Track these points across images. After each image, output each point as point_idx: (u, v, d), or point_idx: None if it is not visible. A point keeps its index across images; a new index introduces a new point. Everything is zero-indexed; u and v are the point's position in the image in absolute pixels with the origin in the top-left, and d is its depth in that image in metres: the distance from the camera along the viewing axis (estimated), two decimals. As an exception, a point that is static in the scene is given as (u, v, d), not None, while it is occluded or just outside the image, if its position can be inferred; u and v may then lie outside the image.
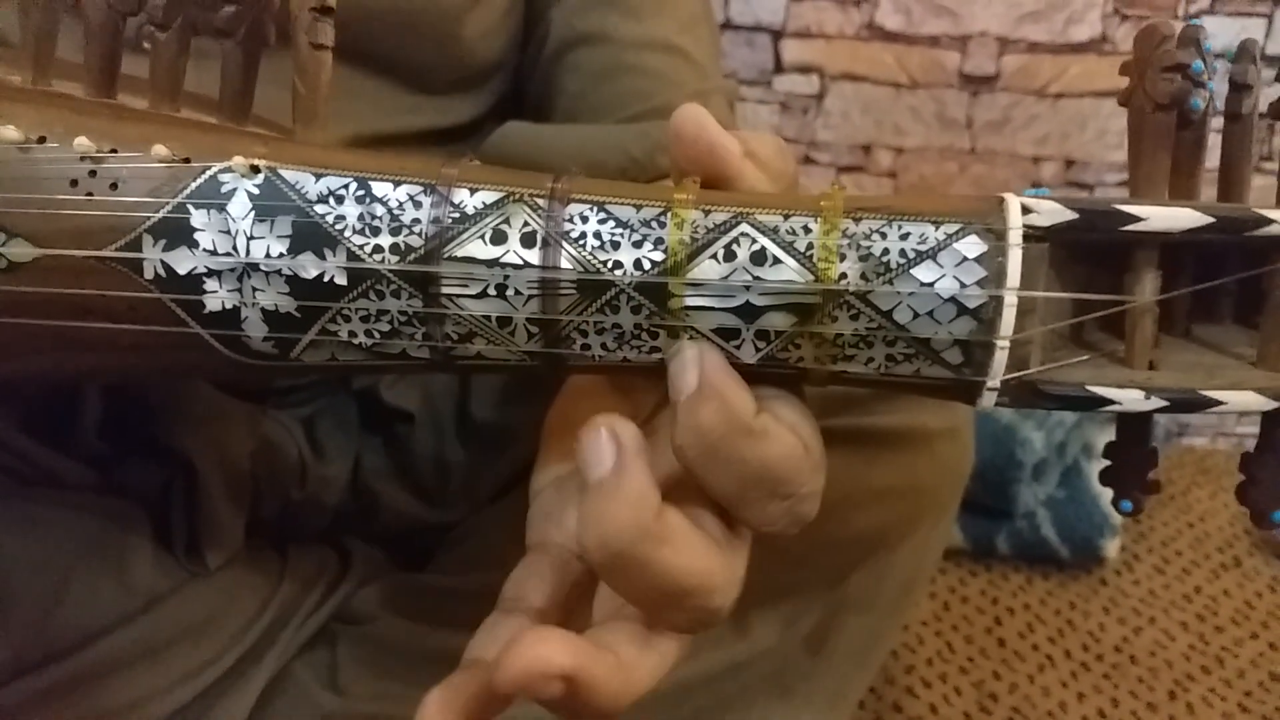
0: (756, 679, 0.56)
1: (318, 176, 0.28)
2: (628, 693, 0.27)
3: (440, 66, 0.54)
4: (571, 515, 0.31)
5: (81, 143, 0.29)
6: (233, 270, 0.28)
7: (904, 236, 0.26)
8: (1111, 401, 0.26)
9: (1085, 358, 0.27)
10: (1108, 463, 0.28)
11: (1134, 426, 0.28)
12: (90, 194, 0.29)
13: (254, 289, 0.28)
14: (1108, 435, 1.08)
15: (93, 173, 0.29)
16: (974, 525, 1.10)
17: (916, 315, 0.26)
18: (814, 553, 0.55)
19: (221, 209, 0.28)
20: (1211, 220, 0.25)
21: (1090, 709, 0.93)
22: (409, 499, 0.57)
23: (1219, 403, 0.26)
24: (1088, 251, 0.27)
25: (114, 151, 0.29)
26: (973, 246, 0.26)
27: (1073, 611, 1.05)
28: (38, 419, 0.44)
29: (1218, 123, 0.27)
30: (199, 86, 0.32)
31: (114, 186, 0.29)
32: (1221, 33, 1.18)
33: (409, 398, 0.56)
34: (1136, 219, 0.26)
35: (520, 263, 0.27)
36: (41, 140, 0.29)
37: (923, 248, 0.26)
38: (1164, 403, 0.26)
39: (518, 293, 0.28)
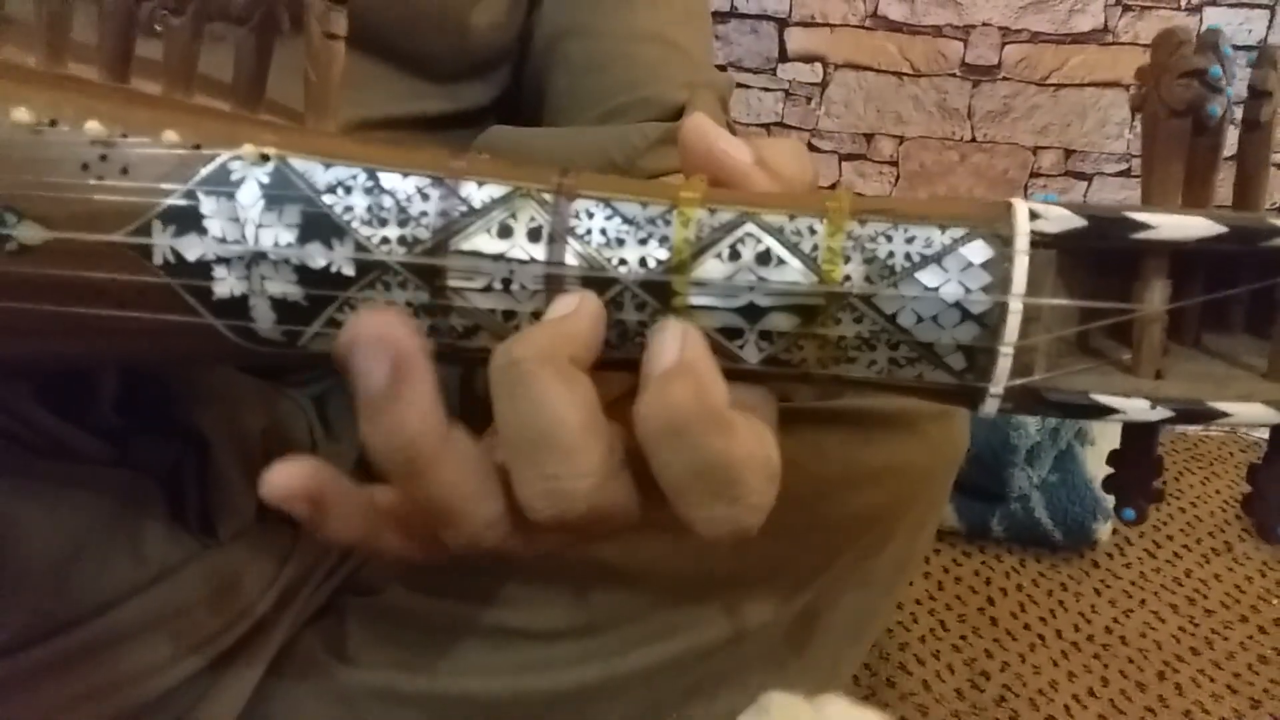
0: (753, 653, 0.56)
1: (327, 166, 0.28)
2: None
3: (448, 55, 0.53)
4: None
5: (92, 126, 0.29)
6: (241, 258, 0.28)
7: (909, 240, 0.26)
8: (1116, 410, 0.26)
9: (1091, 365, 0.27)
10: (1110, 470, 0.28)
11: (1139, 435, 0.28)
12: (101, 178, 0.29)
13: (262, 277, 0.28)
14: (1102, 421, 1.08)
15: (103, 157, 0.29)
16: (968, 507, 1.10)
17: (920, 319, 0.26)
18: (810, 531, 0.55)
19: (231, 197, 0.28)
20: (1225, 230, 0.25)
21: (1080, 688, 0.94)
22: None
23: (1226, 414, 0.25)
24: (1097, 258, 0.26)
25: (124, 136, 0.29)
26: (979, 252, 0.26)
27: (1064, 593, 1.06)
28: (54, 393, 0.44)
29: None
30: (217, 71, 0.32)
31: (124, 171, 0.29)
32: (1224, 24, 1.18)
33: None
34: (1147, 227, 0.25)
35: (526, 258, 0.27)
36: (53, 123, 0.29)
37: (928, 252, 0.26)
38: (1170, 413, 0.26)
39: (523, 288, 0.27)
